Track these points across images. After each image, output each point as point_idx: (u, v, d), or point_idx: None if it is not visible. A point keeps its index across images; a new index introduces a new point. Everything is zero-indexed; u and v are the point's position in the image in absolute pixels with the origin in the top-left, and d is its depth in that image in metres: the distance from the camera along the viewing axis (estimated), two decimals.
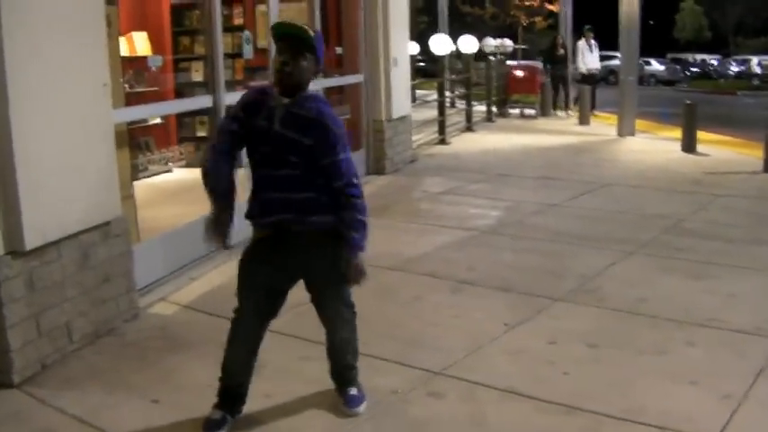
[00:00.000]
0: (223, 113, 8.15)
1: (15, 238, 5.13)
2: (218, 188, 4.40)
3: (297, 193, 4.23)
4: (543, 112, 20.91)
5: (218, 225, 4.41)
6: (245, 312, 4.48)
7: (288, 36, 4.18)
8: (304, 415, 4.69)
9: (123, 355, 5.63)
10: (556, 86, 21.32)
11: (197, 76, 11.39)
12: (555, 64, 21.33)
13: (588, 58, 20.52)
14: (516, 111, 21.47)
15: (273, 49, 4.29)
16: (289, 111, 4.19)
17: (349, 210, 4.25)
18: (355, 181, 4.27)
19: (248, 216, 4.43)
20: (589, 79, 20.43)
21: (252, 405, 4.68)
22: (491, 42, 21.83)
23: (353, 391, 4.70)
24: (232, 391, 4.53)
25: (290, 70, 4.12)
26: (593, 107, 20.00)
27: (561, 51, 21.26)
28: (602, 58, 25.03)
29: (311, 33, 4.22)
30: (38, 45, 5.24)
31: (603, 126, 18.16)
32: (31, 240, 5.21)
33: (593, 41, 20.57)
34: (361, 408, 4.65)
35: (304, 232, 4.29)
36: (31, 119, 5.15)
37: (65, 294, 5.53)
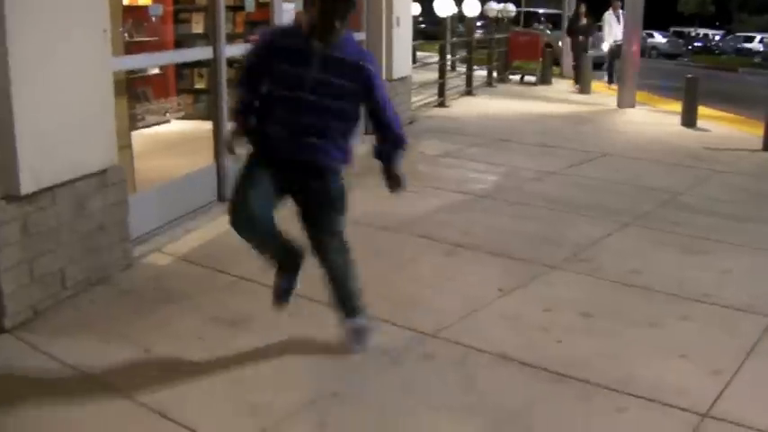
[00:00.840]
0: (224, 65, 8.09)
1: (11, 182, 5.12)
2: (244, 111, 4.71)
3: (319, 139, 4.49)
4: (543, 80, 20.81)
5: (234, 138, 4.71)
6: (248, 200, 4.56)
7: None
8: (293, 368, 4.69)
9: (116, 303, 5.62)
10: (578, 57, 20.24)
11: (197, 27, 11.29)
12: (578, 35, 20.50)
13: (615, 29, 19.73)
14: (517, 77, 21.40)
15: None
16: (328, 55, 4.36)
17: (392, 130, 4.66)
18: (394, 108, 4.70)
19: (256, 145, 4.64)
20: (615, 52, 19.37)
21: (243, 359, 4.69)
22: (494, 6, 21.67)
23: (361, 320, 4.89)
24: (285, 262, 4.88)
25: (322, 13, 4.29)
26: (611, 80, 19.72)
27: (584, 21, 20.74)
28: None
29: None
30: None
31: (604, 96, 18.10)
32: (27, 185, 5.19)
33: (620, 11, 19.87)
34: (369, 341, 4.86)
35: (313, 167, 4.56)
36: (28, 63, 5.10)
37: (59, 241, 5.51)
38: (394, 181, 4.74)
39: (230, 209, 4.59)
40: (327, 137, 4.49)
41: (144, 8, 9.80)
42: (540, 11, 32.03)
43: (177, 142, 9.85)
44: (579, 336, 5.29)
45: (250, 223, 4.56)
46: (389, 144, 4.68)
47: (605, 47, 20.30)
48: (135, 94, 9.44)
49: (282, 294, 4.88)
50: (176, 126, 10.95)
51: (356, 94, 4.45)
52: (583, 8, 20.90)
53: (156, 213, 7.06)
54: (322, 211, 4.67)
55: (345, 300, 4.83)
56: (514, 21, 24.33)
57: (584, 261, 6.67)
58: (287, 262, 4.85)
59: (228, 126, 4.64)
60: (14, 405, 4.31)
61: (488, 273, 6.35)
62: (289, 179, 4.54)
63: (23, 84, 5.06)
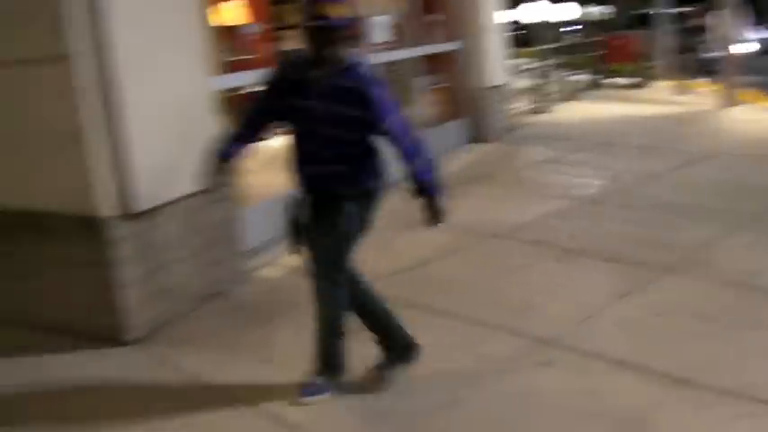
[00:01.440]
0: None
1: (127, 200, 5.29)
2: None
3: (329, 165, 4.33)
4: (643, 82, 20.49)
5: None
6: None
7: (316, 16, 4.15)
8: (420, 372, 4.71)
9: (233, 316, 5.74)
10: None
11: (293, 45, 11.44)
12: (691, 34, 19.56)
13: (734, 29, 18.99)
14: (616, 80, 21.12)
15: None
16: (327, 83, 4.21)
17: (409, 160, 4.28)
18: (411, 132, 4.32)
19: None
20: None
21: (359, 369, 4.74)
22: (593, 9, 21.46)
23: (312, 378, 4.63)
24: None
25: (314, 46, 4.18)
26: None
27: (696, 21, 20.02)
28: None
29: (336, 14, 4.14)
30: (139, 14, 5.36)
31: (705, 96, 17.74)
32: (143, 203, 5.34)
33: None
34: (311, 399, 4.53)
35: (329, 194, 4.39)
36: (137, 84, 5.28)
37: (176, 256, 5.66)
38: (427, 214, 4.37)
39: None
40: (344, 164, 4.34)
41: (240, 27, 9.98)
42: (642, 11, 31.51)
43: (281, 157, 9.96)
44: (697, 340, 5.18)
45: None
46: (412, 175, 4.28)
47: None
48: (238, 111, 9.60)
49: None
50: (279, 141, 11.09)
51: (362, 121, 4.22)
52: (698, 7, 20.24)
53: (269, 226, 7.14)
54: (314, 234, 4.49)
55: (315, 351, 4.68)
56: (612, 24, 24.03)
57: (697, 264, 6.53)
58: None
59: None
60: (140, 415, 4.45)
61: (600, 278, 6.28)
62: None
63: (136, 109, 5.25)
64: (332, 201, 4.32)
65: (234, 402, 4.52)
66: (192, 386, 4.75)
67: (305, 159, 4.37)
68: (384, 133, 4.24)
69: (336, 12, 4.11)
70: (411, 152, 4.26)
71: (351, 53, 4.25)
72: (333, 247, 4.42)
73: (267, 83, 4.50)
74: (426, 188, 4.30)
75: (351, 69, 4.23)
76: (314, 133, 4.28)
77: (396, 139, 4.23)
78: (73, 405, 4.56)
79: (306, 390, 4.54)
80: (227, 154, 4.55)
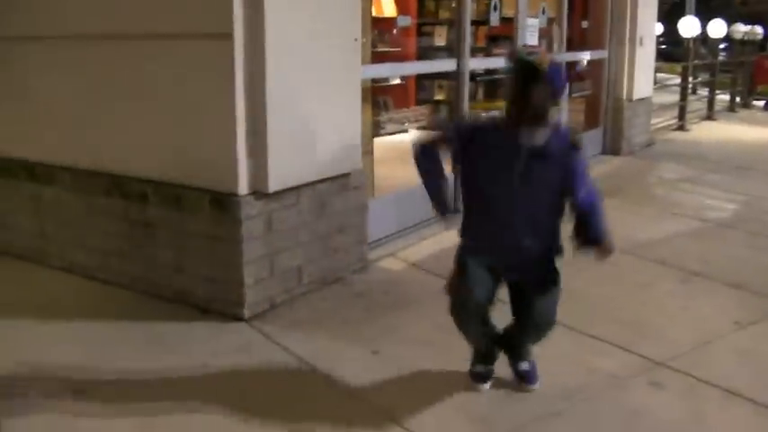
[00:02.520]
0: (466, 78, 8.18)
1: (260, 179, 5.38)
2: (431, 168, 4.51)
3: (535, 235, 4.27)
4: None
5: (439, 198, 4.51)
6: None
7: (522, 68, 3.98)
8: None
9: (349, 304, 5.81)
10: None
11: (439, 40, 11.51)
12: None
13: None
14: (761, 103, 20.56)
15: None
16: (531, 149, 4.07)
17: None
18: (592, 188, 4.29)
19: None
20: None
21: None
22: (740, 28, 20.90)
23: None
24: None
25: (523, 105, 3.97)
26: None
27: None
28: None
29: (545, 66, 3.94)
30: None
31: None
32: (274, 183, 5.44)
33: None
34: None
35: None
36: (284, 66, 5.37)
37: (299, 239, 5.75)
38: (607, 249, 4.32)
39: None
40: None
41: (390, 20, 10.08)
42: None
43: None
44: None
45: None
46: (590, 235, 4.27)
47: None
48: (377, 102, 9.70)
49: (480, 379, 4.69)
50: (414, 135, 11.14)
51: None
52: None
53: (393, 219, 7.24)
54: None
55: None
56: (761, 45, 23.40)
57: None
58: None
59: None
60: (247, 390, 4.56)
61: (724, 304, 6.13)
62: None
63: (278, 85, 5.33)
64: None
65: (335, 388, 4.60)
66: (296, 367, 4.83)
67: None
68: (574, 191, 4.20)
69: (546, 63, 3.94)
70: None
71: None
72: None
73: (465, 132, 4.34)
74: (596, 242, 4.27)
75: (554, 134, 4.13)
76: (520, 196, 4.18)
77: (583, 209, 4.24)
78: (179, 376, 4.69)
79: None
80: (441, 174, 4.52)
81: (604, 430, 4.29)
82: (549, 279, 4.32)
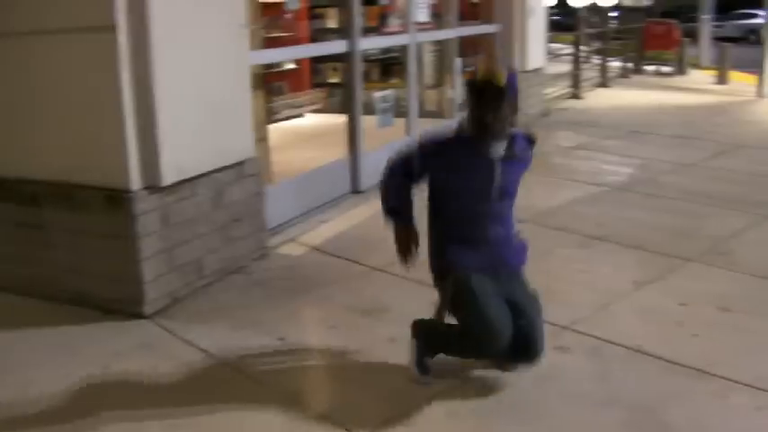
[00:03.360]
0: (358, 59, 8.15)
1: (153, 173, 5.28)
2: (400, 205, 4.39)
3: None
4: (680, 70, 20.34)
5: (406, 241, 4.38)
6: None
7: (485, 89, 4.01)
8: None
9: (251, 292, 5.75)
10: None
11: (331, 22, 11.46)
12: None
13: None
14: (652, 68, 20.97)
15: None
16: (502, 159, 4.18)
17: None
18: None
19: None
20: None
21: (377, 349, 4.74)
22: None
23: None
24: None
25: (490, 122, 4.02)
26: None
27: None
28: (742, 17, 23.74)
29: (504, 81, 3.99)
30: None
31: (743, 86, 17.57)
32: (168, 176, 5.34)
33: None
34: None
35: None
36: (171, 57, 5.26)
37: (197, 231, 5.67)
38: None
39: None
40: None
41: (279, 4, 9.98)
42: None
43: (312, 135, 10.01)
44: (717, 331, 5.15)
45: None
46: None
47: None
48: (271, 88, 9.63)
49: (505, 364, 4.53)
50: (310, 119, 11.12)
51: None
52: None
53: (292, 205, 7.19)
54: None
55: None
56: (648, 11, 23.85)
57: (722, 254, 6.50)
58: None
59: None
60: (151, 388, 4.47)
61: (623, 265, 6.25)
62: None
63: (166, 79, 5.22)
64: None
65: (243, 377, 4.55)
66: (202, 361, 4.76)
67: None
68: None
69: (503, 77, 4.00)
70: None
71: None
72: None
73: (430, 151, 4.28)
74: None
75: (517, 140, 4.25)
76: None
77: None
78: (83, 376, 4.57)
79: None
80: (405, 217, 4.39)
81: (513, 397, 4.32)
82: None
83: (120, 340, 5.04)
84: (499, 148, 4.14)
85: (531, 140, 4.39)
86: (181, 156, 5.41)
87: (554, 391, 4.38)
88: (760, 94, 16.04)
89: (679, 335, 5.07)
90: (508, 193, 4.29)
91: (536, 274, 5.51)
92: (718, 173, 9.43)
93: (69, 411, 4.23)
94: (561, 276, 5.98)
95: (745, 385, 4.42)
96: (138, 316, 5.30)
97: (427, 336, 4.45)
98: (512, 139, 4.19)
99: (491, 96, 3.98)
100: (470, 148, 4.14)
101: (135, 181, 5.21)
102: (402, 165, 4.31)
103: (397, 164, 4.33)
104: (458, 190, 4.21)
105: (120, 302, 5.37)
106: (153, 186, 5.29)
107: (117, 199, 5.22)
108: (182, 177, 5.47)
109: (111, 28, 5.00)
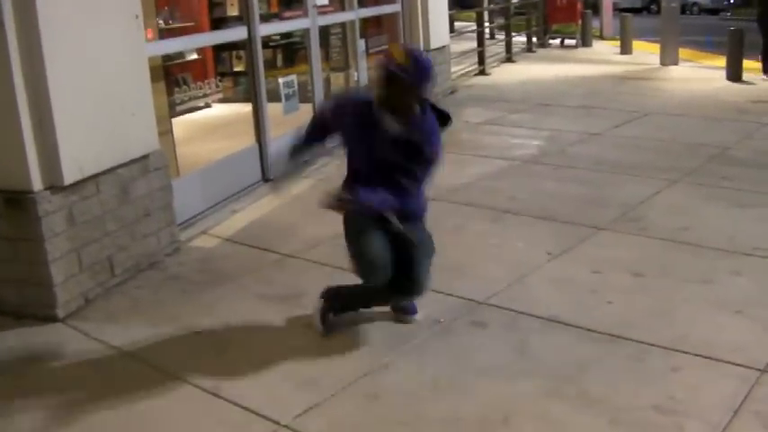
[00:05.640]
0: (259, 45, 8.06)
1: (54, 173, 5.16)
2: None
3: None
4: (584, 42, 20.57)
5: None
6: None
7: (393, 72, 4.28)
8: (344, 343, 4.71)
9: (165, 288, 5.66)
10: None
11: (232, 9, 11.30)
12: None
13: None
14: (557, 41, 21.17)
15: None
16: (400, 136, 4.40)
17: None
18: None
19: None
20: None
21: (295, 336, 4.71)
22: None
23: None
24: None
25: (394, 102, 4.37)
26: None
27: None
28: None
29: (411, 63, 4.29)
30: None
31: (646, 55, 17.85)
32: (70, 175, 5.22)
33: None
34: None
35: None
36: (63, 53, 5.12)
37: (105, 229, 5.55)
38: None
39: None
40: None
41: None
42: None
43: (219, 126, 9.88)
44: (630, 296, 5.22)
45: None
46: None
47: None
48: (174, 80, 9.46)
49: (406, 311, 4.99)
50: (217, 110, 10.98)
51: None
52: None
53: (201, 196, 7.10)
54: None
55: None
56: None
57: (632, 221, 6.59)
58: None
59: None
60: (69, 392, 4.37)
61: (536, 237, 6.30)
62: None
63: (58, 72, 5.08)
64: None
65: (162, 374, 4.46)
66: (120, 360, 4.68)
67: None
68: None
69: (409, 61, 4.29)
70: None
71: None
72: None
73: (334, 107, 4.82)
74: None
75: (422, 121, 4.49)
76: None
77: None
78: None
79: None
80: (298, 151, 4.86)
81: (431, 374, 4.33)
82: None
83: (33, 346, 4.92)
84: (397, 125, 4.36)
85: (444, 118, 4.62)
86: (81, 153, 5.28)
87: (472, 365, 4.40)
88: (662, 63, 16.30)
89: (594, 302, 5.13)
90: (402, 169, 4.43)
91: (449, 249, 5.56)
92: (625, 141, 9.56)
93: None
94: (475, 251, 6.01)
95: (660, 347, 4.51)
96: (52, 319, 5.17)
97: (332, 296, 4.85)
98: (417, 118, 4.37)
99: (396, 79, 4.25)
100: (372, 117, 4.39)
101: (36, 182, 5.06)
102: (312, 121, 4.86)
103: (311, 120, 4.89)
104: (353, 149, 4.62)
105: (31, 307, 5.23)
106: (55, 186, 5.15)
107: (19, 201, 5.07)
108: (84, 175, 5.34)
109: None
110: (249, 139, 8.13)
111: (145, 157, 5.88)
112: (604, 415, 3.91)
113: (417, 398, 4.14)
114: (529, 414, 3.96)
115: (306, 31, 9.40)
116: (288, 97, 8.63)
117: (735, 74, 13.96)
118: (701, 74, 15.16)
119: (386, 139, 4.36)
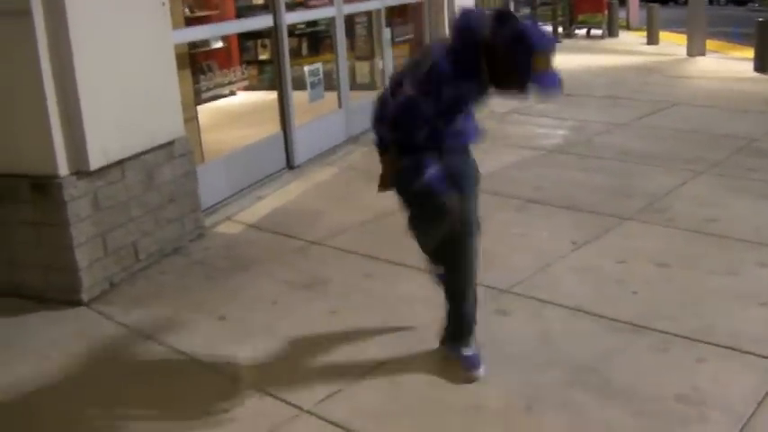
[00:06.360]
0: (285, 33, 8.06)
1: (80, 158, 5.18)
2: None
3: None
4: (610, 32, 20.47)
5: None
6: None
7: None
8: (369, 330, 4.70)
9: (189, 273, 5.68)
10: None
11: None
12: None
13: None
14: (583, 31, 21.08)
15: None
16: None
17: None
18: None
19: None
20: None
21: (319, 323, 4.71)
22: None
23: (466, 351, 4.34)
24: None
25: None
26: None
27: None
28: None
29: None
30: None
31: (672, 46, 17.75)
32: (95, 160, 5.24)
33: None
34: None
35: None
36: (90, 40, 5.15)
37: (130, 214, 5.58)
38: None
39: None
40: None
41: None
42: None
43: (244, 113, 9.91)
44: (655, 286, 5.20)
45: None
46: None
47: None
48: (200, 68, 9.51)
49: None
50: (242, 97, 11.01)
51: None
52: None
53: (226, 183, 7.12)
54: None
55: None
56: None
57: (658, 211, 6.55)
58: None
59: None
60: (93, 376, 4.39)
61: (561, 227, 6.28)
62: None
63: (87, 62, 5.11)
64: None
65: (185, 359, 4.49)
66: (143, 345, 4.70)
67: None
68: None
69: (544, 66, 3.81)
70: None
71: None
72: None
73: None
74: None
75: None
76: None
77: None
78: (23, 368, 4.48)
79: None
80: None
81: (454, 363, 4.31)
82: None
83: (57, 329, 4.95)
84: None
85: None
86: (107, 138, 5.30)
87: (496, 354, 4.37)
88: (689, 54, 16.20)
89: (618, 292, 5.11)
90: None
91: None
92: (651, 132, 9.52)
93: (9, 404, 4.15)
94: (500, 240, 5.98)
95: (685, 338, 4.47)
96: (76, 303, 5.21)
97: (458, 334, 4.37)
98: None
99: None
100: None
101: (62, 167, 5.10)
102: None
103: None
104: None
105: (56, 291, 5.27)
106: (81, 171, 5.18)
107: (45, 187, 5.11)
108: (110, 161, 5.36)
109: (26, 12, 4.87)
110: (274, 127, 8.14)
111: (170, 143, 5.90)
112: (627, 405, 3.89)
113: (440, 385, 4.13)
114: (551, 403, 3.94)
115: (331, 20, 9.39)
116: (313, 85, 8.63)
117: (762, 65, 13.84)
118: (727, 65, 15.05)
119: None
